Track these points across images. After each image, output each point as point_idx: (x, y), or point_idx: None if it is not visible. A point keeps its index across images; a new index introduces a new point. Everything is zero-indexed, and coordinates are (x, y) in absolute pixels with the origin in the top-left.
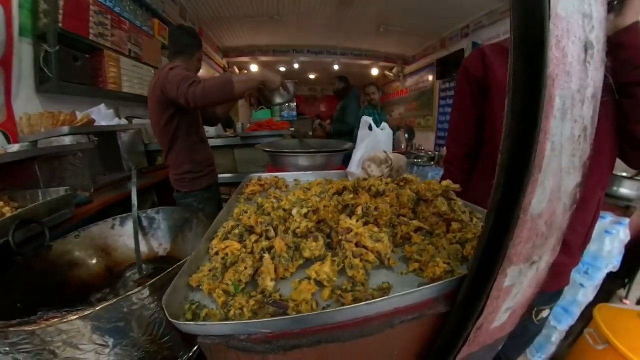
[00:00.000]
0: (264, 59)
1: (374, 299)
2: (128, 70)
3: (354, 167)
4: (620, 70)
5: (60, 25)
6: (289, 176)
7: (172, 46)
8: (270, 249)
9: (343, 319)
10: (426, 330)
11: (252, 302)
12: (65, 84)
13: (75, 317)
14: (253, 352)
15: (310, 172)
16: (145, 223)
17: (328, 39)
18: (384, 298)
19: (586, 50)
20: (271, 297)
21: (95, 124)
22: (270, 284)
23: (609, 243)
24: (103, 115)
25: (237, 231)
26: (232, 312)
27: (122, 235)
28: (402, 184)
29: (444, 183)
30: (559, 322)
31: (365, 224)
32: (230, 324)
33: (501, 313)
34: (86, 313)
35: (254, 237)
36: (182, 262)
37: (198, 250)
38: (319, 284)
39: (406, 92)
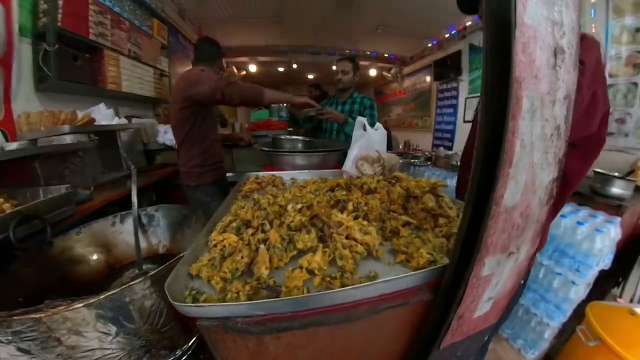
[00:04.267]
0: (262, 59)
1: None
2: (127, 70)
3: (348, 165)
4: None
5: (60, 24)
6: (285, 175)
7: (198, 54)
8: (265, 240)
9: (331, 302)
10: (412, 319)
11: (247, 288)
12: (64, 83)
13: (80, 305)
14: (248, 334)
15: (307, 171)
16: (144, 220)
17: (326, 39)
18: (369, 283)
19: (556, 55)
20: (265, 283)
21: (95, 123)
22: (265, 272)
23: (599, 241)
24: (103, 115)
25: (234, 224)
26: (229, 296)
27: (122, 232)
28: (393, 181)
29: (432, 180)
30: (551, 319)
31: (356, 218)
32: (227, 305)
33: (483, 302)
34: (91, 301)
35: (250, 230)
36: (182, 254)
37: (197, 242)
38: (311, 272)
39: (404, 92)
